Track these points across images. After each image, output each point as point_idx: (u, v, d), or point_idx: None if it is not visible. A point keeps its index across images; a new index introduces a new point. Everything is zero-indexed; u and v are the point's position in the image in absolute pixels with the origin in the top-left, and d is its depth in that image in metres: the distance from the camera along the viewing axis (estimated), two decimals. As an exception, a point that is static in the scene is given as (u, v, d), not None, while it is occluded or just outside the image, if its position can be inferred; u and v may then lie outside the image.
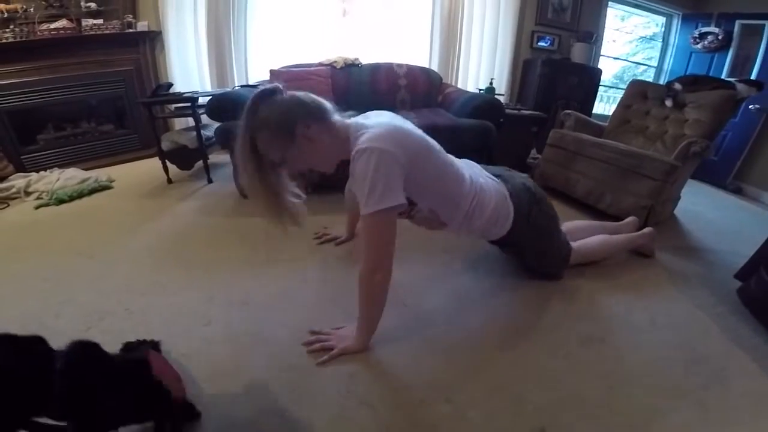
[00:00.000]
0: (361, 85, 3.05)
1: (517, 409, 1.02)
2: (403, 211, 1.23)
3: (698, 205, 2.73)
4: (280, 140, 1.04)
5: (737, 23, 3.53)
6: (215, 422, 0.95)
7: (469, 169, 1.36)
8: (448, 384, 1.08)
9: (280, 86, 1.08)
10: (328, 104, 1.13)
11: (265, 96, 1.04)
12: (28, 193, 2.41)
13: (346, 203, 1.74)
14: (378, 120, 1.13)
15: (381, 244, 1.06)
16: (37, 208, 2.21)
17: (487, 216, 1.29)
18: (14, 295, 1.41)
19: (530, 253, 1.52)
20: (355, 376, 1.09)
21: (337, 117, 1.13)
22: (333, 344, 1.17)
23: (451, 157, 1.29)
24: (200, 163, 2.70)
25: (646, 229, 1.83)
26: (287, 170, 1.15)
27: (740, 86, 2.36)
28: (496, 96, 3.02)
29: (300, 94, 1.09)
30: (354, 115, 1.20)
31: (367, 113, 1.23)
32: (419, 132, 1.18)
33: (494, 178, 1.40)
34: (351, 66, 3.12)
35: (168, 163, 2.65)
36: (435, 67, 3.59)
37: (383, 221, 1.03)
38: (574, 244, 1.61)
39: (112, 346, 1.15)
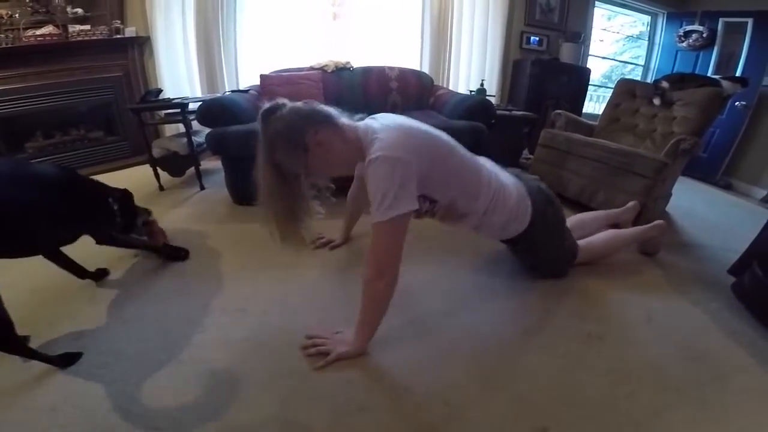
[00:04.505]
0: (353, 89, 3.05)
1: (518, 408, 1.01)
2: (425, 210, 1.24)
3: (690, 201, 2.76)
4: (295, 151, 1.07)
5: (721, 21, 3.59)
6: (213, 429, 0.93)
7: (489, 165, 1.39)
8: (446, 386, 1.08)
9: (281, 101, 1.10)
10: (332, 110, 1.15)
11: (269, 113, 1.08)
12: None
13: (347, 208, 1.74)
14: (389, 123, 1.13)
15: (388, 251, 1.06)
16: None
17: (508, 210, 1.32)
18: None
19: (542, 250, 1.52)
20: (353, 380, 1.08)
21: (344, 120, 1.15)
22: (329, 348, 1.15)
23: (468, 152, 1.31)
24: (192, 169, 2.67)
25: (657, 222, 1.78)
26: (310, 180, 1.19)
27: (726, 83, 2.40)
28: (487, 97, 3.03)
29: (300, 104, 1.11)
30: (363, 118, 1.22)
31: (375, 115, 1.23)
32: (432, 132, 1.19)
33: (513, 176, 1.43)
34: (342, 70, 3.11)
35: (159, 170, 2.62)
36: (426, 70, 3.60)
37: (393, 229, 1.04)
38: (581, 242, 1.62)
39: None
